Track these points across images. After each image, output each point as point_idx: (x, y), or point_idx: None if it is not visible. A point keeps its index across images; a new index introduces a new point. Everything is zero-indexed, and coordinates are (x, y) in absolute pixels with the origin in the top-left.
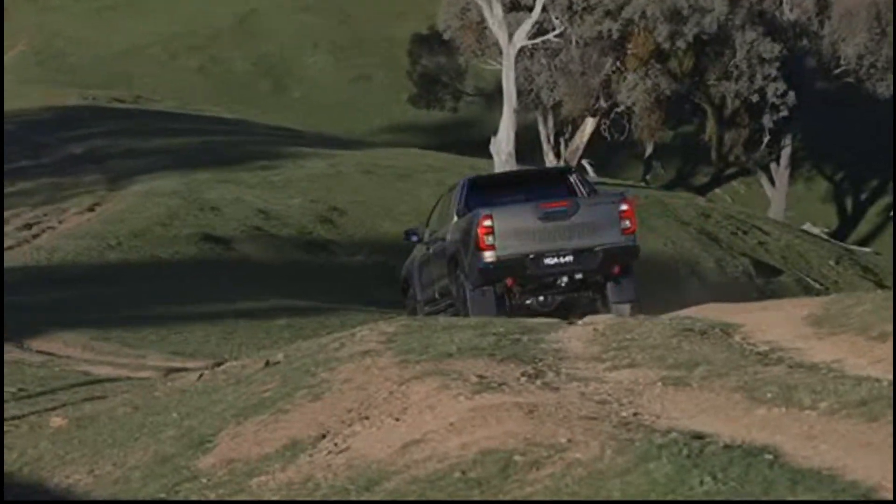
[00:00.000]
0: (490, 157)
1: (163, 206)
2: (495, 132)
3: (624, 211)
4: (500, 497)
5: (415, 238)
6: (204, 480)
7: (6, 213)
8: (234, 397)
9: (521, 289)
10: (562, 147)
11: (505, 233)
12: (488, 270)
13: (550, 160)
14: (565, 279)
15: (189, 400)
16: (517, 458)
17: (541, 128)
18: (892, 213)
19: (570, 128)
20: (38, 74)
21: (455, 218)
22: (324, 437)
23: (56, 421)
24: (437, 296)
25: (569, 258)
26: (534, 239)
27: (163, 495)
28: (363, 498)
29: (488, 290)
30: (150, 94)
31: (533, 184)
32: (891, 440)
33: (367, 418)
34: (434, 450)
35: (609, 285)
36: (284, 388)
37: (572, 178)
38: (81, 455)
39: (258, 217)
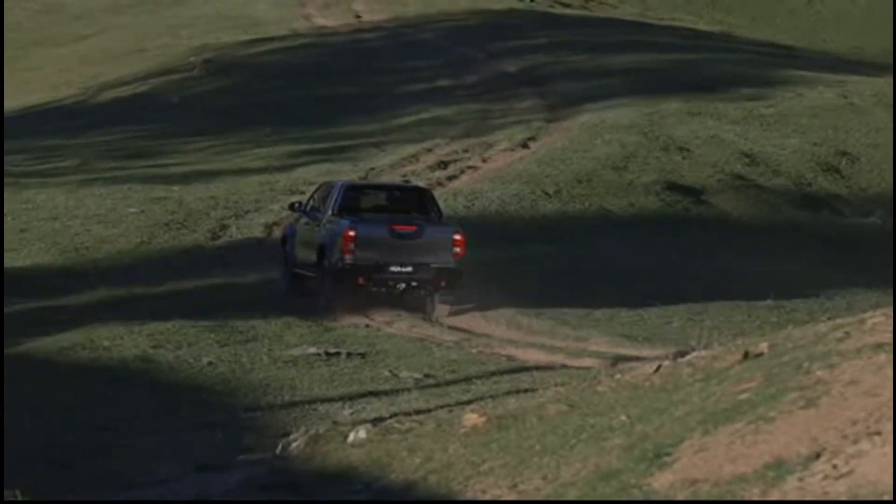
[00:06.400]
0: None
1: (616, 145)
2: None
3: (456, 240)
4: None
5: (297, 206)
6: None
7: (415, 147)
8: (702, 398)
9: (368, 283)
10: None
11: (363, 244)
12: (345, 270)
13: None
14: (403, 285)
15: (642, 399)
16: None
17: None
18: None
19: None
20: None
21: (329, 212)
22: (818, 455)
23: (471, 418)
24: (306, 263)
25: (409, 269)
26: (384, 251)
27: None
28: None
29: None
30: None
31: (395, 197)
32: None
33: (877, 434)
34: None
35: (437, 293)
36: (768, 388)
37: (427, 197)
38: (502, 464)
39: (740, 162)
